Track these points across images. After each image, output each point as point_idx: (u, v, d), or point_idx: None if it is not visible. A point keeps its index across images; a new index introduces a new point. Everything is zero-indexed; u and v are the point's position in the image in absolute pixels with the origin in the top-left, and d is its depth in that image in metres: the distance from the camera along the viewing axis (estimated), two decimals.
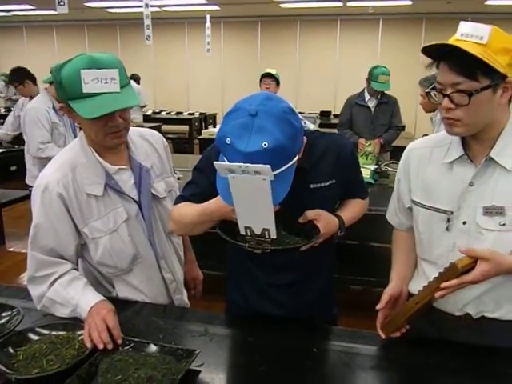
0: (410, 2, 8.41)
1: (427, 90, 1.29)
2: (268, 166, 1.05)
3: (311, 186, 1.41)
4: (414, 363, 1.28)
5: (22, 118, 3.89)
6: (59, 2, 3.71)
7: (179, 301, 1.74)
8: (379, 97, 4.50)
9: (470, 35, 1.17)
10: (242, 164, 1.06)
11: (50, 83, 3.73)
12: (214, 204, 1.31)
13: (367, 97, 4.54)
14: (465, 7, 8.66)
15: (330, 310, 1.68)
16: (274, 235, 1.18)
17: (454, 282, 1.17)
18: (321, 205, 1.42)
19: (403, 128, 4.50)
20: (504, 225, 1.25)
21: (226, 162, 1.10)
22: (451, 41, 1.21)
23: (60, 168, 1.48)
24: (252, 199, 1.11)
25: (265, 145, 1.08)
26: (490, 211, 1.26)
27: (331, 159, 1.44)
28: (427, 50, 1.21)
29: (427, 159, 1.40)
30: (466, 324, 1.37)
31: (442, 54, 1.20)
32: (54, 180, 1.45)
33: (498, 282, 1.30)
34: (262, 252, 1.20)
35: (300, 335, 1.40)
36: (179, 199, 1.50)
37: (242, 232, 1.20)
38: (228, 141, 1.10)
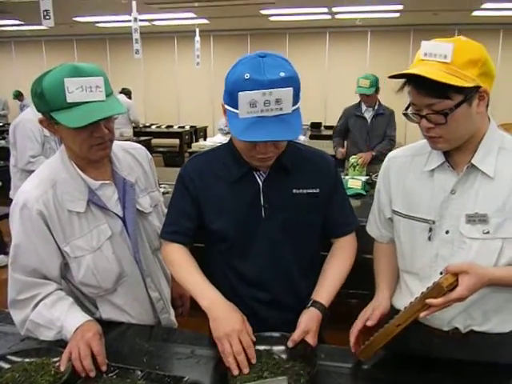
0: (397, 15, 8.50)
1: (404, 112, 1.27)
2: (290, 89, 1.16)
3: (293, 191, 1.41)
4: (406, 382, 1.23)
5: (12, 129, 3.81)
6: (45, 16, 3.67)
7: (166, 320, 1.68)
8: (376, 107, 4.53)
9: (433, 54, 1.16)
10: (265, 90, 1.13)
11: None
12: (210, 294, 1.32)
13: (364, 108, 4.57)
14: (451, 18, 8.76)
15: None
16: None
17: (440, 300, 1.12)
18: (304, 211, 1.42)
19: (394, 139, 4.50)
20: (488, 233, 1.23)
21: (249, 91, 1.14)
22: (416, 61, 1.20)
23: (40, 184, 1.43)
24: None
25: (282, 74, 1.17)
26: (473, 219, 1.24)
27: (314, 168, 1.46)
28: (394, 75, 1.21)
29: (408, 168, 1.39)
30: (455, 339, 1.34)
31: (410, 77, 1.19)
32: (33, 197, 1.39)
33: (483, 294, 1.27)
34: None
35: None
36: (168, 233, 1.49)
37: None
38: (247, 76, 1.16)
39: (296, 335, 1.29)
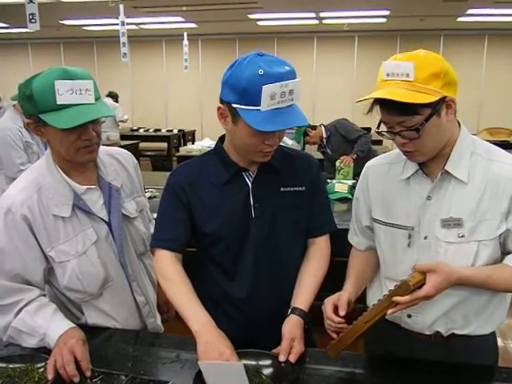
0: (384, 20, 8.57)
1: (377, 131, 1.30)
2: (300, 80, 1.27)
3: (281, 189, 1.45)
4: None
5: None
6: (30, 19, 3.65)
7: (152, 325, 1.68)
8: (325, 136, 4.66)
9: (395, 74, 1.19)
10: (283, 83, 1.22)
11: None
12: (201, 318, 1.29)
13: (321, 144, 4.76)
14: (437, 24, 8.88)
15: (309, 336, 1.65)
16: None
17: (407, 298, 1.15)
18: (291, 209, 1.45)
19: (365, 134, 4.47)
20: (463, 236, 1.26)
21: (270, 85, 1.21)
22: (379, 81, 1.23)
23: (24, 189, 1.42)
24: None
25: (287, 68, 1.27)
26: (447, 223, 1.27)
27: (300, 167, 1.51)
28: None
29: (385, 176, 1.41)
30: (437, 343, 1.36)
31: (376, 99, 1.21)
32: (17, 201, 1.39)
33: (463, 297, 1.30)
34: None
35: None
36: (160, 240, 1.46)
37: None
38: (261, 72, 1.22)
39: (284, 344, 1.31)
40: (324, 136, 4.66)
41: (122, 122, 8.49)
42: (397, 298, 1.15)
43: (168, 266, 1.42)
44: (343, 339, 1.27)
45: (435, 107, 1.17)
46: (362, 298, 1.54)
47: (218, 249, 1.46)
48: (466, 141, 1.29)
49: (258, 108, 1.23)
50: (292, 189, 1.46)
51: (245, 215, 1.43)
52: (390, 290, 1.19)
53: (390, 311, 1.17)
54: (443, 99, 1.18)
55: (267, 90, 1.21)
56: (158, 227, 1.49)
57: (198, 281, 1.48)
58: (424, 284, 1.15)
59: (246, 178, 1.44)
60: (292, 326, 1.36)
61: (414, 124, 1.18)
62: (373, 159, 1.51)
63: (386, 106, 1.19)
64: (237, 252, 1.45)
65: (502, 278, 1.25)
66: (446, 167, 1.27)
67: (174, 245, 1.45)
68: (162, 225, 1.48)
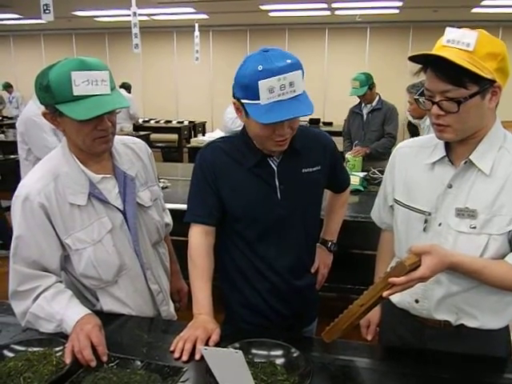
0: (397, 11, 8.49)
1: (416, 97, 1.29)
2: (300, 71, 1.31)
3: (303, 170, 1.55)
4: (403, 375, 1.24)
5: (22, 126, 3.71)
6: (45, 10, 3.67)
7: (166, 312, 1.70)
8: (374, 103, 4.52)
9: (456, 41, 1.17)
10: (280, 76, 1.27)
11: None
12: (203, 310, 1.46)
13: (363, 104, 4.59)
14: (451, 15, 8.76)
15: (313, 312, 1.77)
16: None
17: (402, 278, 1.15)
18: (312, 188, 1.58)
19: (393, 136, 4.36)
20: (474, 228, 1.26)
21: (266, 80, 1.27)
22: (437, 47, 1.21)
23: (41, 177, 1.44)
24: (233, 374, 1.12)
25: (288, 61, 1.31)
26: (462, 213, 1.27)
27: (318, 148, 1.59)
28: (414, 58, 1.21)
29: (412, 159, 1.42)
30: (447, 331, 1.36)
31: (429, 61, 1.20)
32: (35, 190, 1.41)
33: (469, 287, 1.30)
34: None
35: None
36: (195, 215, 1.56)
37: None
38: (260, 68, 1.29)
39: (316, 264, 1.71)
40: (373, 104, 4.52)
41: (134, 118, 8.50)
42: (392, 279, 1.15)
43: (196, 249, 1.54)
44: (339, 324, 1.27)
45: (483, 86, 1.16)
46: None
47: (241, 225, 1.55)
48: (498, 134, 1.28)
49: (259, 102, 1.30)
50: (311, 169, 1.55)
51: (270, 196, 1.51)
52: (385, 273, 1.19)
53: (385, 293, 1.17)
54: (492, 83, 1.17)
55: (264, 84, 1.28)
56: (191, 202, 1.59)
57: (225, 250, 1.60)
58: (419, 266, 1.16)
59: (270, 162, 1.51)
60: (320, 252, 1.76)
61: (456, 96, 1.16)
62: (404, 141, 1.53)
63: (437, 69, 1.17)
64: (260, 229, 1.54)
65: (497, 272, 1.23)
66: (470, 156, 1.26)
67: (208, 219, 1.55)
68: (195, 199, 1.58)
